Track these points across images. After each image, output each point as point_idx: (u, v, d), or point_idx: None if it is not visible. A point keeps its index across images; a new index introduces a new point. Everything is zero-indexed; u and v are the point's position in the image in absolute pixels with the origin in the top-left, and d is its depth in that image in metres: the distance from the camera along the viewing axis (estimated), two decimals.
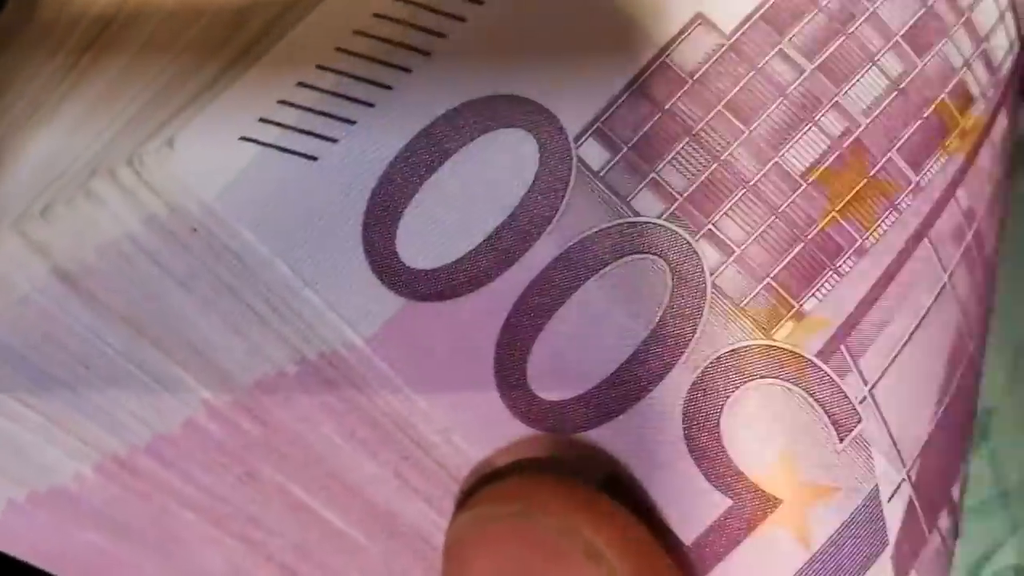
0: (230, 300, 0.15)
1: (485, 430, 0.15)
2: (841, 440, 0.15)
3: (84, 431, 0.15)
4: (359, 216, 0.14)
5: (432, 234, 0.14)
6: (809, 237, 0.15)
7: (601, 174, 0.15)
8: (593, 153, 0.14)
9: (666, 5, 0.14)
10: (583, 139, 0.14)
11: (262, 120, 0.14)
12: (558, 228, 0.15)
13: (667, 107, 0.15)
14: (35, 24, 0.17)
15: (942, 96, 0.16)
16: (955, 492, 0.17)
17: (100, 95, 0.15)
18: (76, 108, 0.15)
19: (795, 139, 0.15)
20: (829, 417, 0.15)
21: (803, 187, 0.15)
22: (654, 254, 0.15)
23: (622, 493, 0.15)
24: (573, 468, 0.15)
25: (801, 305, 0.15)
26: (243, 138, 0.14)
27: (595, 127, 0.14)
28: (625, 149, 0.15)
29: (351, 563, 0.16)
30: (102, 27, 0.16)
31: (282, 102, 0.14)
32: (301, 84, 0.14)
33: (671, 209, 0.15)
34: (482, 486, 0.15)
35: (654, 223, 0.15)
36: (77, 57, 0.16)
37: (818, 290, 0.15)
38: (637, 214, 0.15)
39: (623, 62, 0.14)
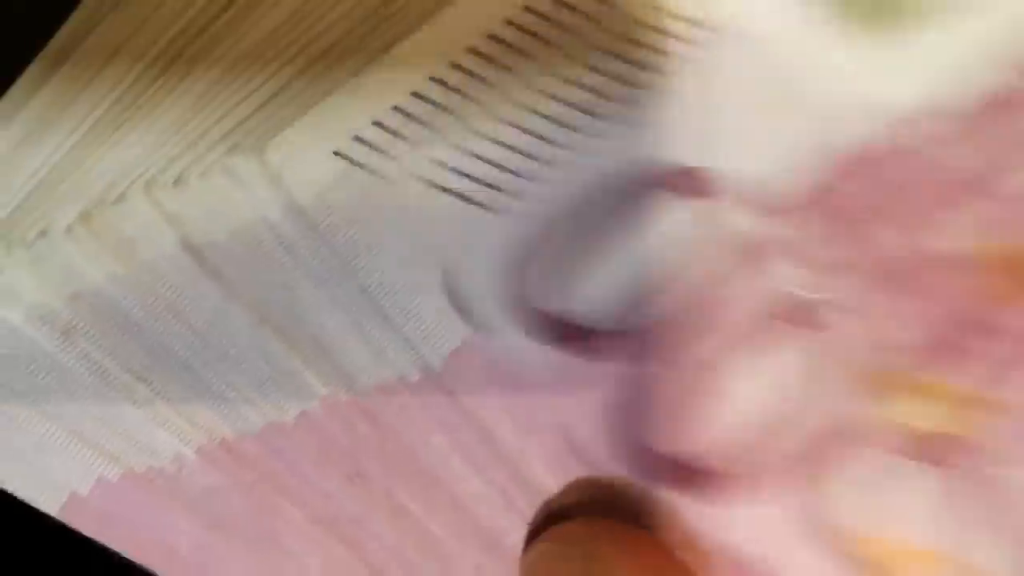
0: (363, 301, 0.15)
1: (566, 464, 0.15)
2: None
3: (194, 411, 0.15)
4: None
5: (563, 279, 0.15)
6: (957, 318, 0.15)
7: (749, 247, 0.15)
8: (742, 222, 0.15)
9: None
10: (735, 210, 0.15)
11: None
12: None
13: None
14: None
15: None
16: None
17: (231, 66, 0.15)
18: (211, 73, 0.15)
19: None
20: None
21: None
22: (796, 325, 0.15)
23: None
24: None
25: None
26: (334, 151, 0.14)
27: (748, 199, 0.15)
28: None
29: (443, 571, 0.16)
30: None
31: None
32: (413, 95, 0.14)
33: (815, 281, 0.15)
34: (549, 523, 0.15)
35: (796, 294, 0.15)
36: (203, 26, 0.15)
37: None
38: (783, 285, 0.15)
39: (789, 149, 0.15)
